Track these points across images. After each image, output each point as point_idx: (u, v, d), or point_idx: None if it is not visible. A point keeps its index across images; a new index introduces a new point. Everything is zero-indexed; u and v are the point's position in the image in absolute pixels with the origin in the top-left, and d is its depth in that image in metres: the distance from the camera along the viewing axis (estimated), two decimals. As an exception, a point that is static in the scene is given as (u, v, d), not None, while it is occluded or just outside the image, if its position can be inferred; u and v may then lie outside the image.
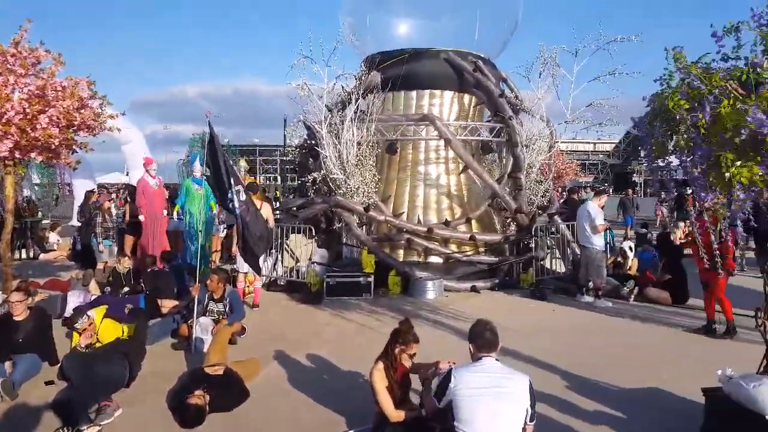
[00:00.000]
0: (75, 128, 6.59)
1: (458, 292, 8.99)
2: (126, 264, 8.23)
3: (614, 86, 9.84)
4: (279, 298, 8.65)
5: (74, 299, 7.05)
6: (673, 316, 7.62)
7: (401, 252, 9.74)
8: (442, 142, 10.09)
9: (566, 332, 6.83)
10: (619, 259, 10.20)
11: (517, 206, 9.78)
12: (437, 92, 10.30)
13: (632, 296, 8.56)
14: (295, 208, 10.62)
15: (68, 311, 6.52)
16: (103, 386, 4.44)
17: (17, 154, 6.27)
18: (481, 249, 9.75)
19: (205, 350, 5.30)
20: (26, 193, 15.34)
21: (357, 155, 9.74)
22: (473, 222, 9.92)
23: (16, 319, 5.19)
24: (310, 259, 9.43)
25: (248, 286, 8.26)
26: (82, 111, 6.51)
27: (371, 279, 8.72)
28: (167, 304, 6.93)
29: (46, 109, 6.11)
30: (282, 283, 9.30)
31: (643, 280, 8.80)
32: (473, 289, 9.08)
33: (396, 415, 3.69)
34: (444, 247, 9.60)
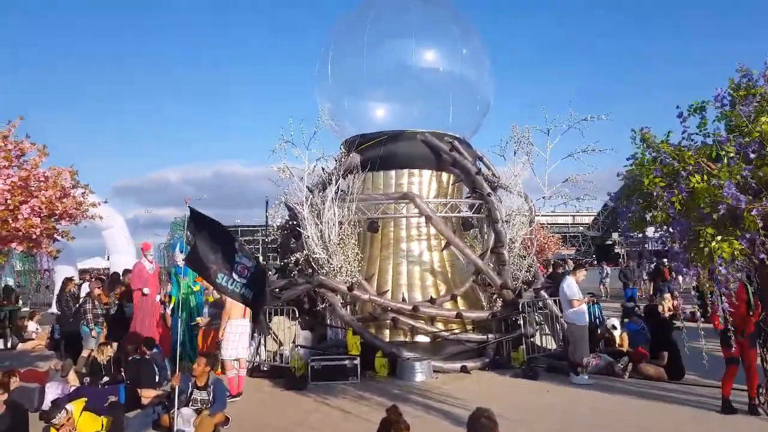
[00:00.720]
0: (57, 217, 6.62)
1: (448, 374, 8.70)
2: (108, 353, 8.04)
3: (588, 162, 10.18)
4: (262, 384, 8.27)
5: (52, 391, 6.81)
6: (671, 392, 7.37)
7: (387, 332, 9.50)
8: (423, 219, 10.19)
9: (562, 415, 6.58)
10: (607, 335, 10.07)
11: (502, 282, 9.74)
12: (416, 171, 10.55)
13: (626, 373, 8.35)
14: (277, 290, 10.42)
15: (46, 404, 6.26)
16: None
17: (-3, 245, 6.19)
18: (469, 327, 9.58)
19: None
20: (9, 281, 14.96)
21: (339, 234, 9.75)
22: (459, 299, 9.81)
23: None
24: (293, 342, 9.12)
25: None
26: (65, 200, 6.59)
27: (357, 362, 8.42)
28: (147, 395, 6.75)
29: (29, 199, 6.15)
30: (265, 368, 8.92)
31: (637, 355, 8.60)
32: (463, 369, 8.79)
33: None
34: (430, 326, 9.40)
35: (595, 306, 11.29)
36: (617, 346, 9.30)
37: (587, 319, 8.66)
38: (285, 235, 11.88)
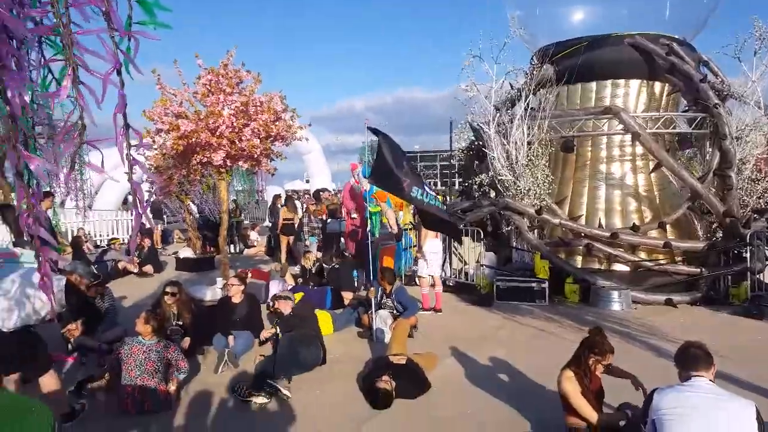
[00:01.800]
0: (272, 138, 7.26)
1: (649, 305, 7.88)
2: (311, 259, 8.98)
3: None
4: (448, 299, 8.45)
5: (274, 287, 7.88)
6: None
7: (579, 258, 8.89)
8: (627, 138, 9.02)
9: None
10: None
11: (726, 208, 8.26)
12: (621, 81, 9.24)
13: None
14: (460, 211, 10.37)
15: (269, 297, 7.31)
16: (302, 365, 5.00)
17: (228, 163, 7.13)
18: (678, 258, 8.45)
19: (386, 341, 5.72)
20: (232, 197, 17.66)
21: (527, 155, 9.17)
22: (668, 227, 8.63)
23: (234, 301, 5.96)
24: (478, 261, 9.08)
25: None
26: (277, 123, 7.15)
27: (545, 285, 8.09)
28: (347, 296, 7.55)
29: (249, 122, 6.86)
30: (451, 284, 9.09)
31: None
32: (668, 302, 7.88)
33: (597, 417, 3.41)
34: (631, 255, 8.51)
35: None
36: None
37: None
38: (469, 156, 11.64)
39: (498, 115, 9.58)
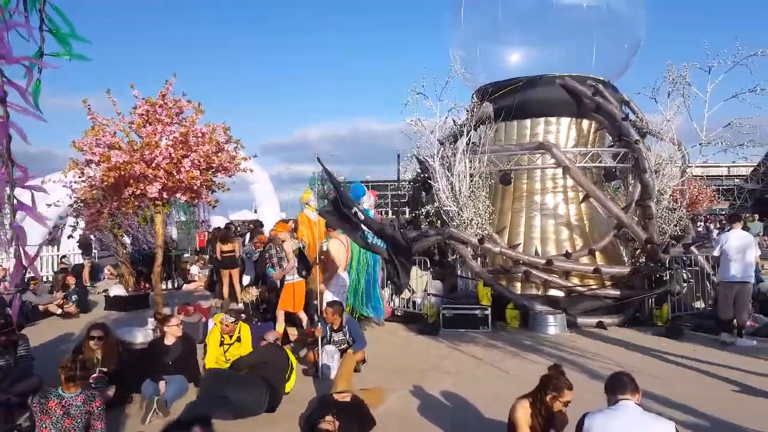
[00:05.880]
0: (214, 170, 7.24)
1: (582, 329, 8.45)
2: (253, 294, 8.86)
3: (755, 104, 8.89)
4: (396, 329, 8.73)
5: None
6: None
7: (518, 285, 9.40)
8: (559, 171, 9.72)
9: (708, 375, 6.10)
10: (761, 297, 8.97)
11: (648, 236, 9.04)
12: (552, 119, 10.00)
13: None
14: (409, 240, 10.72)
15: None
16: (233, 409, 4.73)
17: (165, 195, 7.00)
18: (607, 282, 9.12)
19: (331, 377, 5.57)
20: (172, 231, 17.23)
21: (470, 186, 9.69)
22: (597, 254, 9.32)
23: (167, 343, 5.69)
24: (425, 290, 9.43)
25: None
26: (220, 154, 7.14)
27: (488, 312, 8.51)
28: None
29: (189, 153, 6.76)
30: (399, 314, 9.38)
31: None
32: (599, 325, 8.48)
33: None
34: (565, 280, 9.12)
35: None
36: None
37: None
38: (416, 188, 12.09)
39: (442, 149, 10.08)
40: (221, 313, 6.68)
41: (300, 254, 7.76)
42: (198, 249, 18.22)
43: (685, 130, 9.96)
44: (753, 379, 5.90)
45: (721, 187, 53.13)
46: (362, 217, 5.71)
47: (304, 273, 7.58)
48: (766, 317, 8.17)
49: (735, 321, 7.48)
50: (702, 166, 32.97)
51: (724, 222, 12.87)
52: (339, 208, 5.62)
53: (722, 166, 50.51)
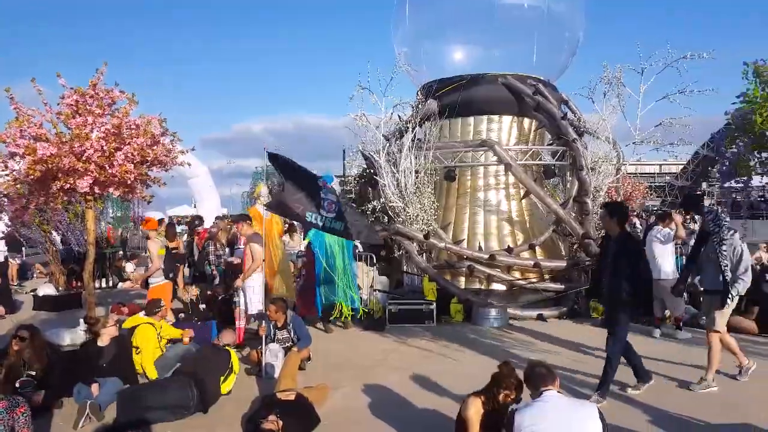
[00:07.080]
0: (148, 164, 6.89)
1: (524, 321, 8.68)
2: (193, 293, 8.68)
3: (685, 104, 9.42)
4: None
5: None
6: (761, 345, 6.96)
7: (462, 279, 9.56)
8: (501, 168, 9.93)
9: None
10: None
11: (585, 232, 9.40)
12: (495, 117, 10.20)
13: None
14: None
15: None
16: (158, 414, 4.61)
17: (96, 190, 6.61)
18: (547, 276, 9.42)
19: (275, 376, 5.45)
20: (103, 227, 16.43)
21: (415, 183, 9.75)
22: (537, 248, 9.61)
23: (100, 344, 5.44)
24: (371, 286, 9.42)
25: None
26: (155, 147, 6.78)
27: (433, 307, 8.59)
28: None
29: (122, 146, 6.41)
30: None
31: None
32: (540, 317, 8.74)
33: None
34: (507, 275, 9.34)
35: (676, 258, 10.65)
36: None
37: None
38: (362, 183, 12.06)
39: (388, 145, 10.09)
40: (142, 316, 6.42)
41: (167, 254, 7.52)
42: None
43: (620, 129, 10.43)
44: (677, 369, 6.25)
45: (653, 185, 56.37)
46: (326, 201, 5.71)
47: (171, 275, 7.45)
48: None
49: (668, 316, 7.87)
50: (635, 164, 34.86)
51: (650, 219, 13.57)
52: (287, 197, 5.58)
53: (654, 164, 53.34)
